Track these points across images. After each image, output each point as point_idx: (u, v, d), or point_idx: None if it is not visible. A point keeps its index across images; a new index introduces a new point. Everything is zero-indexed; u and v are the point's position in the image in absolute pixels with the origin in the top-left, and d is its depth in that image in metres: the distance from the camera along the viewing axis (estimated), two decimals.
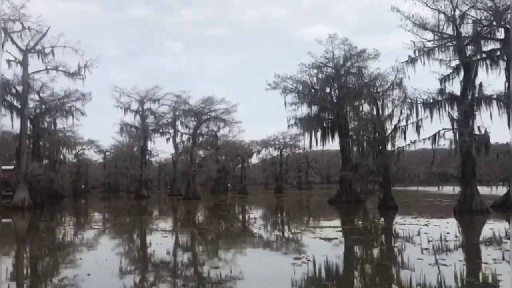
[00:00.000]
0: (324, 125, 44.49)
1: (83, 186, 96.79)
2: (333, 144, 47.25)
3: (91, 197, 79.34)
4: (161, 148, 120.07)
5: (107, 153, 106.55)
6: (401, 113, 35.58)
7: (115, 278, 10.45)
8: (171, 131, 67.94)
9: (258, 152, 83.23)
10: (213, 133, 67.65)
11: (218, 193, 79.91)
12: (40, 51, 44.12)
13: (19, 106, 43.09)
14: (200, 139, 62.99)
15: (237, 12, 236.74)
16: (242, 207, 43.24)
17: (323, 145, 44.75)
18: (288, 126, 44.56)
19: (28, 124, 48.38)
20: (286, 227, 23.23)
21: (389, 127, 36.34)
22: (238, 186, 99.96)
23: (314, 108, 44.37)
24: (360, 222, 25.88)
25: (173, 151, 72.34)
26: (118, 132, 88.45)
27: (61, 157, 71.17)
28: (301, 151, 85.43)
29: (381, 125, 35.42)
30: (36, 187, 46.90)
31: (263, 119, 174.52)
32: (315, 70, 46.31)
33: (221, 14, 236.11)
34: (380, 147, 35.21)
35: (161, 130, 67.88)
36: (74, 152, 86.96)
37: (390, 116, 35.40)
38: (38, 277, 11.29)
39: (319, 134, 45.20)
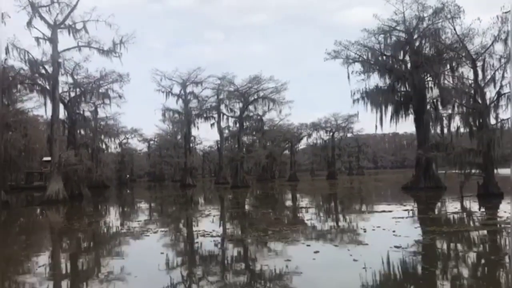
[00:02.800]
0: (396, 98, 36.32)
1: (127, 175, 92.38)
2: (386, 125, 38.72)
3: (136, 186, 74.38)
4: (204, 136, 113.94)
5: (151, 142, 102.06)
6: (503, 77, 27.29)
7: None
8: (215, 115, 61.40)
9: (309, 135, 75.26)
10: (259, 117, 60.54)
11: (265, 181, 72.93)
12: (71, 26, 38.09)
13: (47, 87, 37.37)
14: (247, 123, 55.77)
15: None
16: (301, 197, 35.85)
17: (395, 122, 36.52)
18: (354, 101, 36.62)
19: (63, 110, 42.99)
20: (379, 227, 15.81)
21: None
22: (284, 173, 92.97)
23: (385, 79, 36.15)
24: (458, 215, 18.08)
25: (216, 138, 66.08)
26: (161, 120, 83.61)
27: (103, 145, 65.99)
28: (350, 134, 77.14)
29: (481, 92, 27.03)
30: (73, 178, 41.37)
31: (305, 106, 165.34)
32: (382, 36, 38.17)
33: (260, 1, 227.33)
34: (481, 120, 26.89)
35: (205, 115, 61.25)
36: (117, 141, 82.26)
37: (493, 80, 26.97)
38: None
39: (389, 110, 37.19)
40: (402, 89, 36.68)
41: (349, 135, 79.54)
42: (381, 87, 36.52)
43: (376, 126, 36.01)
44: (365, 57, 37.79)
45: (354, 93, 36.82)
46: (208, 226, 17.20)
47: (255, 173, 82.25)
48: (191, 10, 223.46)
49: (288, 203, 29.72)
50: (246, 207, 26.46)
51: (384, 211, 20.33)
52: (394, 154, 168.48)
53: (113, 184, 75.53)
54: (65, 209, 30.59)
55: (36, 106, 56.94)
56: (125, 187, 72.30)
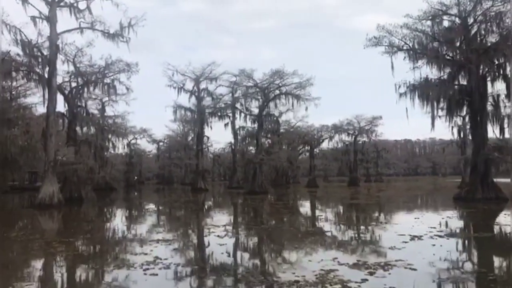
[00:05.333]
0: (451, 92, 29.99)
1: (135, 177, 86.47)
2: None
3: (144, 189, 68.47)
4: (214, 138, 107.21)
5: (161, 143, 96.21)
6: None
7: None
8: (230, 114, 55.32)
9: (330, 138, 68.69)
10: (275, 118, 54.40)
11: (281, 186, 66.56)
12: (73, 5, 32.37)
13: (46, 75, 31.53)
14: (266, 122, 49.51)
15: (286, 3, 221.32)
16: (341, 209, 29.63)
17: (449, 120, 30.22)
18: (401, 95, 30.37)
19: (63, 102, 37.26)
20: None
21: None
22: (299, 178, 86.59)
23: (440, 70, 29.93)
24: None
25: (227, 139, 60.20)
26: (171, 120, 77.76)
27: (110, 145, 60.12)
28: (374, 138, 70.56)
29: None
30: (72, 179, 35.59)
31: (315, 111, 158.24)
32: (429, 22, 32.05)
33: (271, 6, 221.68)
34: None
35: (219, 113, 55.13)
36: (125, 141, 76.38)
37: None
38: None
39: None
40: (456, 82, 30.43)
41: (372, 138, 72.77)
42: (431, 79, 30.32)
43: (432, 125, 29.48)
44: (410, 44, 31.59)
45: (399, 86, 30.68)
46: (244, 257, 11.14)
47: (267, 177, 76.01)
48: (203, 15, 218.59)
49: (334, 218, 23.45)
50: (286, 223, 20.16)
51: (497, 239, 14.13)
52: (406, 161, 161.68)
53: (121, 186, 69.73)
54: (56, 216, 24.67)
55: (40, 101, 51.45)
56: (133, 189, 66.41)
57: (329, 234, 15.46)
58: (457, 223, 19.59)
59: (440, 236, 14.34)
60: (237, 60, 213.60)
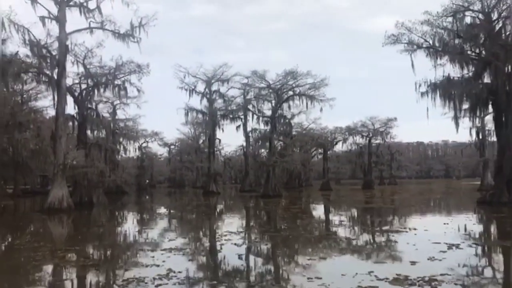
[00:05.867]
0: (474, 91, 28.45)
1: (147, 181, 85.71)
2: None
3: (156, 192, 67.66)
4: (225, 142, 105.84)
5: (172, 147, 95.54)
6: None
7: None
8: (242, 116, 54.34)
9: (344, 140, 67.16)
10: (287, 120, 53.22)
11: (293, 189, 65.15)
12: (82, 4, 31.56)
13: (55, 77, 30.68)
14: (280, 123, 48.22)
15: (298, 6, 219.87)
16: (367, 214, 28.16)
17: (472, 120, 28.76)
18: (422, 95, 28.95)
19: (73, 104, 36.35)
20: None
21: None
22: (311, 181, 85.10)
23: (463, 68, 28.42)
24: None
25: (238, 142, 59.08)
26: (183, 123, 77.02)
27: (121, 148, 59.43)
28: (388, 139, 68.84)
29: None
30: (82, 182, 34.65)
31: (328, 114, 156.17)
32: (450, 19, 30.61)
33: (281, 8, 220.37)
34: None
35: (231, 115, 54.08)
36: (137, 144, 75.75)
37: None
38: None
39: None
40: (479, 80, 28.91)
41: (386, 140, 70.93)
42: (453, 77, 28.86)
43: (456, 125, 28.12)
44: (431, 41, 30.15)
45: (419, 85, 29.27)
46: (267, 270, 9.95)
47: (280, 180, 74.53)
48: (212, 18, 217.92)
49: (358, 224, 22.10)
50: (307, 230, 18.81)
51: None
52: (419, 163, 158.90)
53: (132, 189, 68.95)
54: (65, 221, 23.72)
55: (51, 105, 50.83)
56: (144, 193, 65.58)
57: (356, 242, 14.19)
58: (490, 229, 18.23)
59: (478, 244, 13.03)
60: (248, 63, 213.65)
